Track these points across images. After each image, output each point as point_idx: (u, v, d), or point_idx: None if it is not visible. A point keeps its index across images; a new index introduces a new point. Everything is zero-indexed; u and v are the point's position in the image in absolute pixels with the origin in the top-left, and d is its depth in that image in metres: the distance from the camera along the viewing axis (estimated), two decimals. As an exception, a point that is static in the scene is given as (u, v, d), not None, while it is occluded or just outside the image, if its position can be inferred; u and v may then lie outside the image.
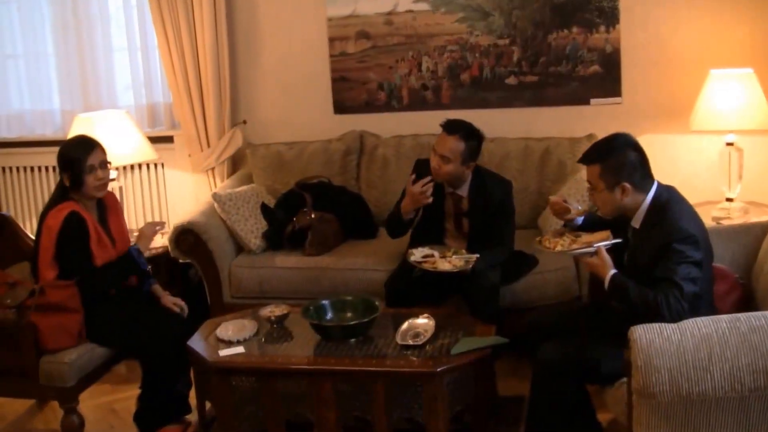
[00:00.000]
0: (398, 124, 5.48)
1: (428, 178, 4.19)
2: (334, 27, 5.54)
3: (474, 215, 4.35)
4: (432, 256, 4.13)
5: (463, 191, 4.35)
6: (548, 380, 3.37)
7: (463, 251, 4.17)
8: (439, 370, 3.44)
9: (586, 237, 3.49)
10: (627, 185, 3.30)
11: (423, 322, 3.75)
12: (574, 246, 3.46)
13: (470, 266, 4.04)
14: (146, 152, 5.40)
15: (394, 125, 5.49)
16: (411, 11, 5.41)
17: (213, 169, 5.73)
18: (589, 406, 3.53)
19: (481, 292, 4.08)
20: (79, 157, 3.95)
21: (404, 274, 4.30)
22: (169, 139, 5.89)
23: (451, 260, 4.07)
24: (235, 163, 5.84)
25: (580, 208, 3.76)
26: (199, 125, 5.66)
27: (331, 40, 5.57)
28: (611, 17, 5.14)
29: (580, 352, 3.34)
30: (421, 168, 4.37)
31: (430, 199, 4.20)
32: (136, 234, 5.37)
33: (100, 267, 3.94)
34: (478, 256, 4.08)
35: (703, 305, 3.21)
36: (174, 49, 5.56)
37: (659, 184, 3.37)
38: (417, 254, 4.15)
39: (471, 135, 4.23)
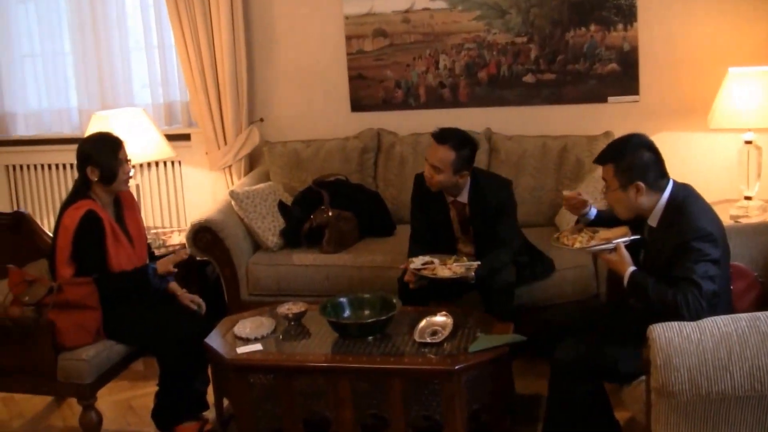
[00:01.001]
0: (415, 122, 5.47)
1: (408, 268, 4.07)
2: (351, 25, 5.55)
3: (475, 220, 4.28)
4: (432, 263, 4.06)
5: (464, 198, 4.26)
6: (566, 379, 3.36)
7: (464, 258, 4.11)
8: (457, 368, 3.43)
9: (604, 233, 3.46)
10: (641, 184, 3.28)
11: (441, 319, 3.75)
12: (593, 242, 3.43)
13: (471, 273, 3.96)
14: (163, 150, 5.41)
15: (412, 123, 5.48)
16: (428, 9, 5.40)
17: (230, 166, 5.74)
18: (607, 405, 3.52)
19: (492, 292, 4.06)
20: (113, 150, 4.00)
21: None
22: (186, 137, 5.90)
23: (451, 267, 4.00)
24: (252, 161, 5.85)
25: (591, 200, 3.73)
26: (216, 123, 5.67)
27: (348, 38, 5.57)
28: (629, 15, 5.12)
29: (598, 351, 3.32)
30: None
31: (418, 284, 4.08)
32: (153, 232, 5.44)
33: (114, 273, 3.96)
34: (479, 263, 4.02)
35: (721, 304, 3.20)
36: (191, 48, 5.57)
37: (675, 183, 3.34)
38: (417, 262, 4.06)
39: (462, 144, 4.12)
